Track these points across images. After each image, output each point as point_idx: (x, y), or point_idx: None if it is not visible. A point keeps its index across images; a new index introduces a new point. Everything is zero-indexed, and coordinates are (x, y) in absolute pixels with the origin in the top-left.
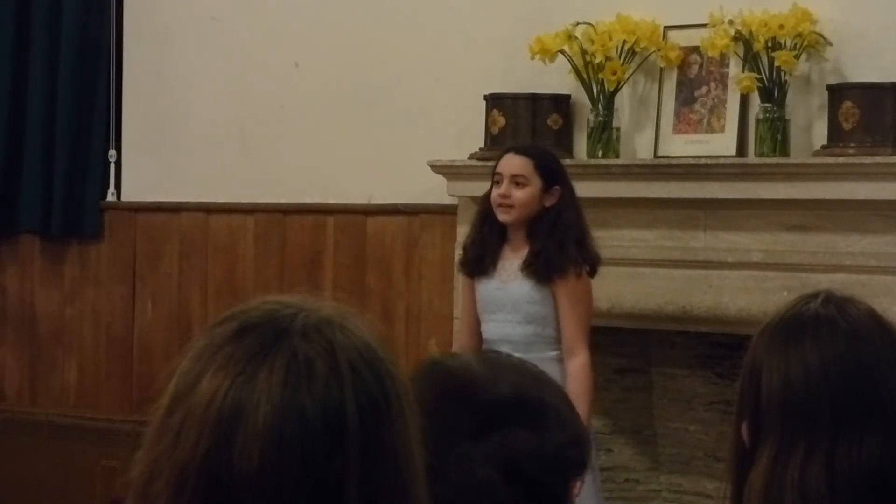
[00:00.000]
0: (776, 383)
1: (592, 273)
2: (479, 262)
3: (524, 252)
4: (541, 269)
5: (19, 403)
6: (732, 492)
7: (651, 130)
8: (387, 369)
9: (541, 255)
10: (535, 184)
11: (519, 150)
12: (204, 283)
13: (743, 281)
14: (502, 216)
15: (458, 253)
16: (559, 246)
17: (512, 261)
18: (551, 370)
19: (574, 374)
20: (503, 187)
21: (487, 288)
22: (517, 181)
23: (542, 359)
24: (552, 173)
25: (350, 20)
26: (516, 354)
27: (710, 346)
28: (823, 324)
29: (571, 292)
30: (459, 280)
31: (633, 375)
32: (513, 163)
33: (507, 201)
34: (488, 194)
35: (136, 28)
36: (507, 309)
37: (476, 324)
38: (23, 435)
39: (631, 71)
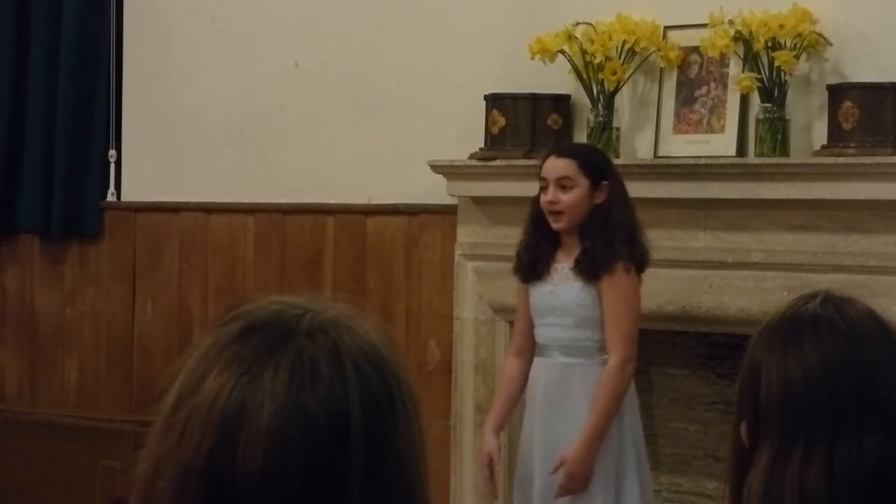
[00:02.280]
0: (775, 383)
1: (640, 270)
2: (533, 267)
3: (576, 253)
4: (588, 268)
5: (19, 403)
6: (732, 492)
7: (651, 130)
8: (392, 371)
9: (589, 254)
10: (582, 184)
11: (561, 152)
12: (204, 283)
13: (743, 281)
14: (555, 225)
15: (458, 253)
16: (608, 243)
17: (564, 263)
18: (600, 375)
19: (602, 376)
20: (550, 193)
21: (541, 292)
22: (563, 184)
23: (592, 363)
24: (598, 170)
25: (350, 20)
26: (567, 359)
27: (710, 346)
28: (822, 324)
29: (615, 289)
30: (461, 279)
31: (634, 375)
32: (556, 165)
33: (557, 207)
34: (538, 198)
35: (136, 28)
36: (558, 312)
37: (530, 328)
38: (23, 435)
39: (631, 71)
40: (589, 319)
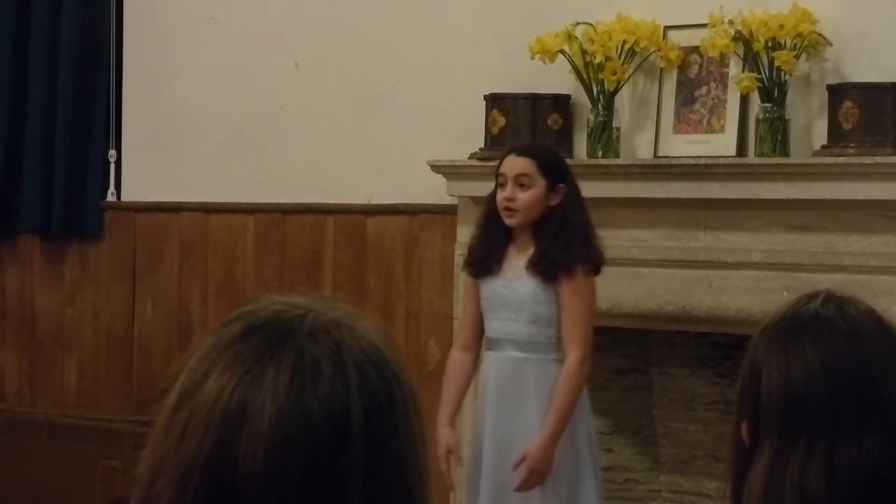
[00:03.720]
0: (776, 383)
1: (596, 271)
2: (484, 262)
3: (530, 251)
4: (547, 269)
5: (19, 403)
6: (732, 492)
7: (651, 130)
8: (394, 372)
9: (547, 255)
10: (540, 184)
11: (521, 151)
12: (204, 283)
13: (743, 281)
14: (508, 220)
15: (458, 253)
16: (566, 245)
17: (517, 259)
18: (552, 372)
19: (560, 374)
20: (507, 190)
21: (493, 286)
22: (521, 182)
23: (545, 360)
24: (556, 172)
25: (350, 20)
26: (520, 354)
27: (710, 346)
28: (823, 324)
29: (575, 291)
30: (461, 279)
31: (633, 375)
32: (516, 163)
33: (512, 204)
34: (493, 195)
35: (136, 28)
36: (512, 308)
37: (479, 322)
38: (23, 435)
39: (631, 71)
40: (544, 316)
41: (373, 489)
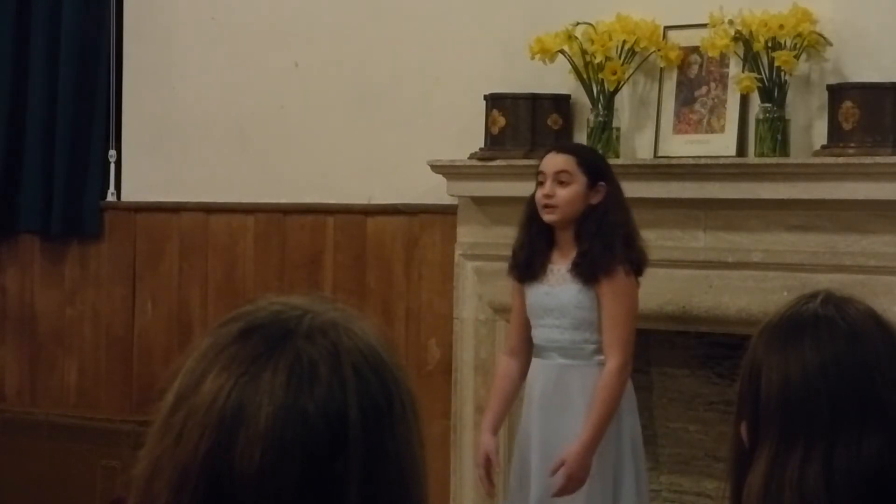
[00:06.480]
0: (775, 383)
1: (638, 273)
2: (529, 267)
3: (572, 255)
4: (587, 270)
5: (19, 403)
6: (732, 492)
7: (651, 130)
8: (391, 373)
9: (587, 256)
10: (580, 181)
11: (561, 148)
12: (204, 283)
13: (743, 281)
14: (547, 217)
15: (458, 253)
16: (606, 245)
17: (560, 265)
18: (596, 377)
19: (601, 378)
20: (547, 187)
21: (537, 293)
22: (560, 179)
23: (589, 364)
24: (596, 170)
25: (350, 20)
26: (564, 361)
27: (710, 346)
28: (822, 324)
29: (615, 292)
30: (461, 279)
31: (634, 375)
32: (555, 160)
33: (551, 201)
34: (533, 196)
35: (136, 28)
36: (555, 314)
37: (526, 328)
38: (23, 435)
39: (631, 71)
40: (587, 321)
41: (370, 490)
